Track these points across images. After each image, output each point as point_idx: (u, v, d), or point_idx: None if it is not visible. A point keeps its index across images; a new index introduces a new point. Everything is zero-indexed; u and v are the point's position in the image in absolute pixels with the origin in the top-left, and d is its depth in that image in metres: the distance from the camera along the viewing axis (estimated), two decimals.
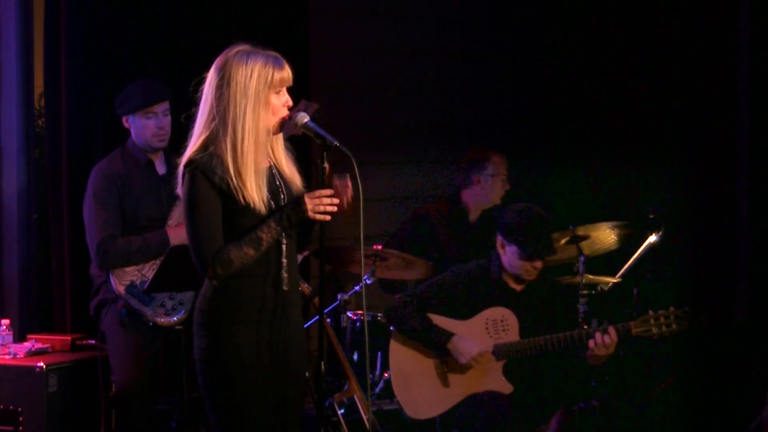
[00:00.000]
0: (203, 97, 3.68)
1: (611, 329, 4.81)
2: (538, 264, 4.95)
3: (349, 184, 3.71)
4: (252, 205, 3.62)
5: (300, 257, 4.80)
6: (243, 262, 3.63)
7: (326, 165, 3.70)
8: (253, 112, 3.63)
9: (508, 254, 4.98)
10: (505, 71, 7.49)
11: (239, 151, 3.61)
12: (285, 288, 3.72)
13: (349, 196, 3.71)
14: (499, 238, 5.02)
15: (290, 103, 3.71)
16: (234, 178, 3.60)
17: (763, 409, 4.22)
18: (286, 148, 3.82)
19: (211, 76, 3.67)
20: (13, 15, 5.72)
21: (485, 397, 4.96)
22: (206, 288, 3.71)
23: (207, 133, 3.65)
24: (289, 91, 3.75)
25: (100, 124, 5.68)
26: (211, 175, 3.60)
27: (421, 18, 7.27)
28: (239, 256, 3.62)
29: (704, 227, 6.97)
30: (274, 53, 3.70)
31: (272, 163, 3.77)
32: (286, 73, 3.68)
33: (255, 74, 3.62)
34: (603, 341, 4.80)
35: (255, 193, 3.62)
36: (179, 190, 3.69)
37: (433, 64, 7.31)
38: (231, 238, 3.63)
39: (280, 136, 3.77)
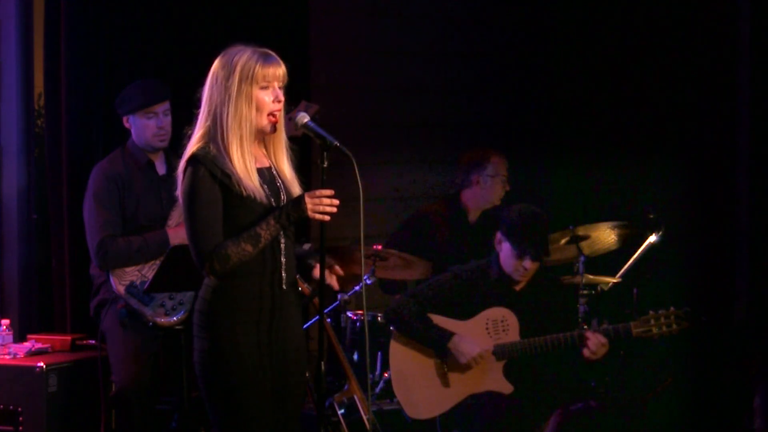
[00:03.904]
0: (203, 96, 3.71)
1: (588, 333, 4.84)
2: (528, 264, 4.94)
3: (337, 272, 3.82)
4: (252, 199, 3.62)
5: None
6: (240, 259, 3.63)
7: (325, 165, 3.70)
8: (234, 107, 3.64)
9: (504, 250, 4.99)
10: (505, 71, 7.49)
11: (227, 145, 3.63)
12: (284, 287, 3.73)
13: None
14: (498, 234, 5.03)
15: (281, 98, 3.70)
16: (234, 173, 3.61)
17: (754, 419, 4.22)
18: (290, 151, 3.81)
19: (209, 75, 3.70)
20: (13, 15, 5.71)
21: (485, 397, 4.96)
22: (204, 290, 3.72)
23: (202, 131, 3.68)
24: (290, 91, 3.74)
25: (100, 124, 5.68)
26: (214, 169, 3.61)
27: (421, 18, 7.26)
28: (237, 252, 3.62)
29: (704, 227, 6.97)
30: (264, 50, 3.71)
31: (272, 164, 3.77)
32: (273, 69, 3.67)
33: (237, 69, 3.64)
34: (598, 339, 4.82)
35: (252, 189, 3.63)
36: (179, 190, 3.69)
37: (433, 64, 7.30)
38: (230, 235, 3.64)
39: (281, 138, 3.77)
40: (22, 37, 5.74)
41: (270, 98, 3.67)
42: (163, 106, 5.17)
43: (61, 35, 5.60)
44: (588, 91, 7.27)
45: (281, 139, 3.78)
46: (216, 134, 3.64)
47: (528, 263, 4.93)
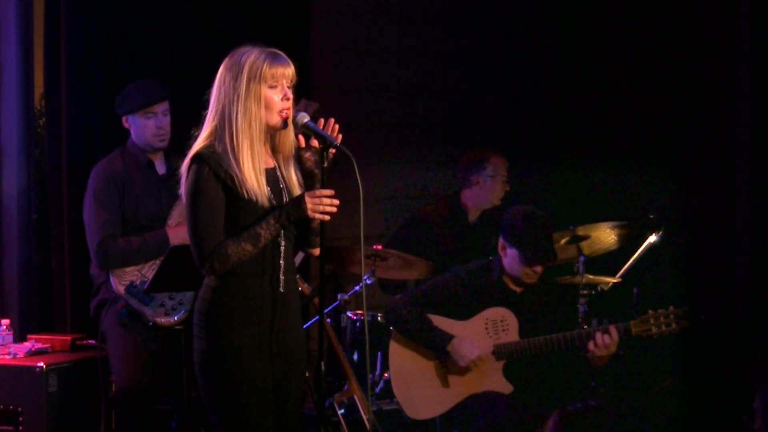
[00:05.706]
0: (211, 96, 3.71)
1: (612, 328, 4.81)
2: (539, 269, 4.95)
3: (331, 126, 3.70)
4: (254, 201, 3.63)
5: (300, 258, 4.80)
6: (240, 258, 3.63)
7: (326, 165, 3.70)
8: (244, 107, 3.63)
9: (509, 257, 4.98)
10: (505, 71, 7.49)
11: (235, 145, 3.63)
12: (281, 290, 3.73)
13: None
14: (501, 240, 5.02)
15: (289, 96, 3.70)
16: (237, 174, 3.61)
17: (754, 419, 4.22)
18: (297, 152, 3.80)
19: (217, 76, 3.70)
20: (13, 15, 5.71)
21: (485, 397, 4.96)
22: (204, 290, 3.72)
23: (209, 130, 3.68)
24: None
25: (100, 124, 5.68)
26: (218, 168, 3.61)
27: (421, 18, 7.27)
28: (237, 251, 3.62)
29: (704, 227, 6.97)
30: (273, 50, 3.71)
31: (276, 165, 3.77)
32: (282, 68, 3.67)
33: (246, 69, 3.64)
34: (603, 341, 4.80)
35: (255, 188, 3.63)
36: (182, 188, 3.69)
37: (433, 64, 7.31)
38: (231, 234, 3.64)
39: (289, 138, 3.76)
40: (22, 37, 5.74)
41: (279, 97, 3.68)
42: (163, 106, 5.17)
43: (61, 35, 5.60)
44: (588, 91, 7.27)
45: (289, 139, 3.77)
46: (223, 134, 3.64)
47: (539, 268, 4.94)
